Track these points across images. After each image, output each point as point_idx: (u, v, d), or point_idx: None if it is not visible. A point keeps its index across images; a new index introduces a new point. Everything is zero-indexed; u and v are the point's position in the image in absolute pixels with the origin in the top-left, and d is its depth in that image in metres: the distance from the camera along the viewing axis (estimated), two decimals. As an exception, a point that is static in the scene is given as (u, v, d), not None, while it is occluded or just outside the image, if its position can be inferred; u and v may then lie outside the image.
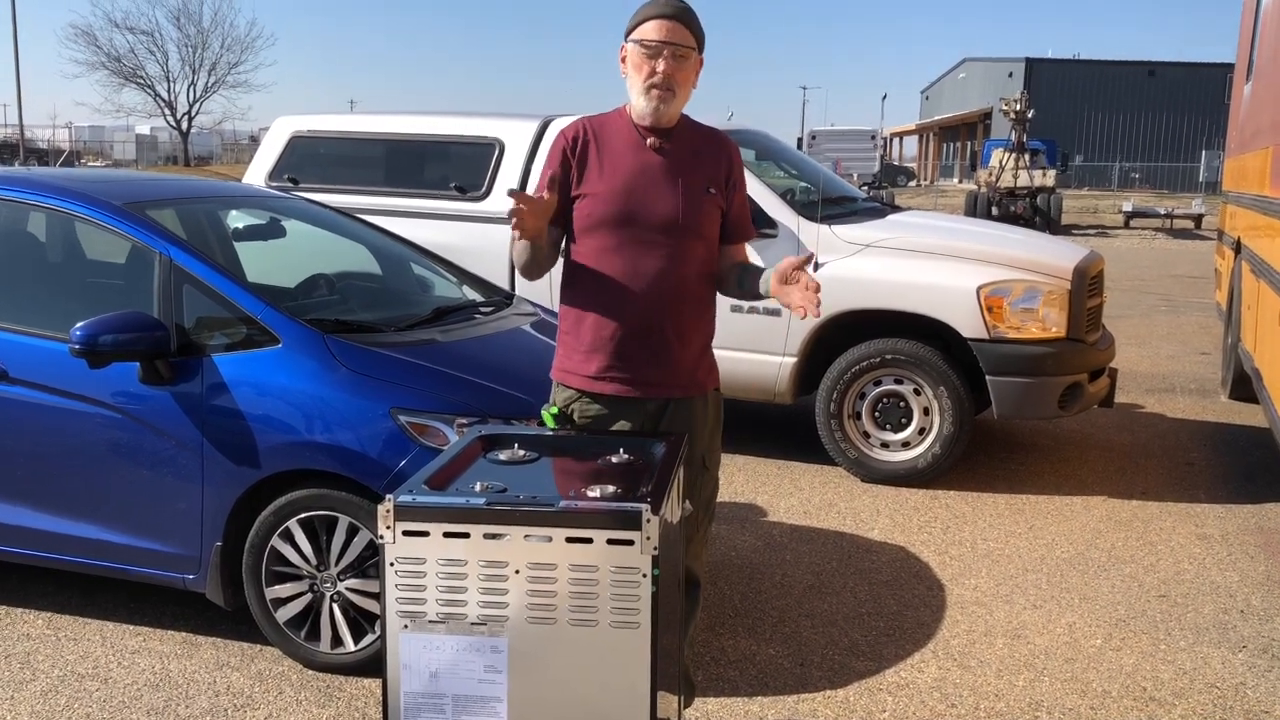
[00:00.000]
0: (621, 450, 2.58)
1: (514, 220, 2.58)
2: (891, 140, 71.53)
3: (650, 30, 2.70)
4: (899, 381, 5.64)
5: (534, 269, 2.79)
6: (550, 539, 2.18)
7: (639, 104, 2.77)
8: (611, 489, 2.28)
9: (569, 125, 2.86)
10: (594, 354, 2.77)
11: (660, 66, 2.70)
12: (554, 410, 2.82)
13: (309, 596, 3.49)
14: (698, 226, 2.78)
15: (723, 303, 3.03)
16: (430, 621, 2.23)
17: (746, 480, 5.70)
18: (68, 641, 3.73)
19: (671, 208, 2.74)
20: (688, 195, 2.76)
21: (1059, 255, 5.84)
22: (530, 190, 2.83)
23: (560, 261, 2.87)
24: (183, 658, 3.62)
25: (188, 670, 3.54)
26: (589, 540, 2.17)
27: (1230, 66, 9.83)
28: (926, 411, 5.61)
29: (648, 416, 2.81)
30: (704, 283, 2.85)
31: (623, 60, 2.79)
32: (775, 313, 5.67)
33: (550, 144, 2.85)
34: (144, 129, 64.40)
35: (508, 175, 6.22)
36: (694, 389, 2.85)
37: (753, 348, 5.70)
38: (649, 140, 2.78)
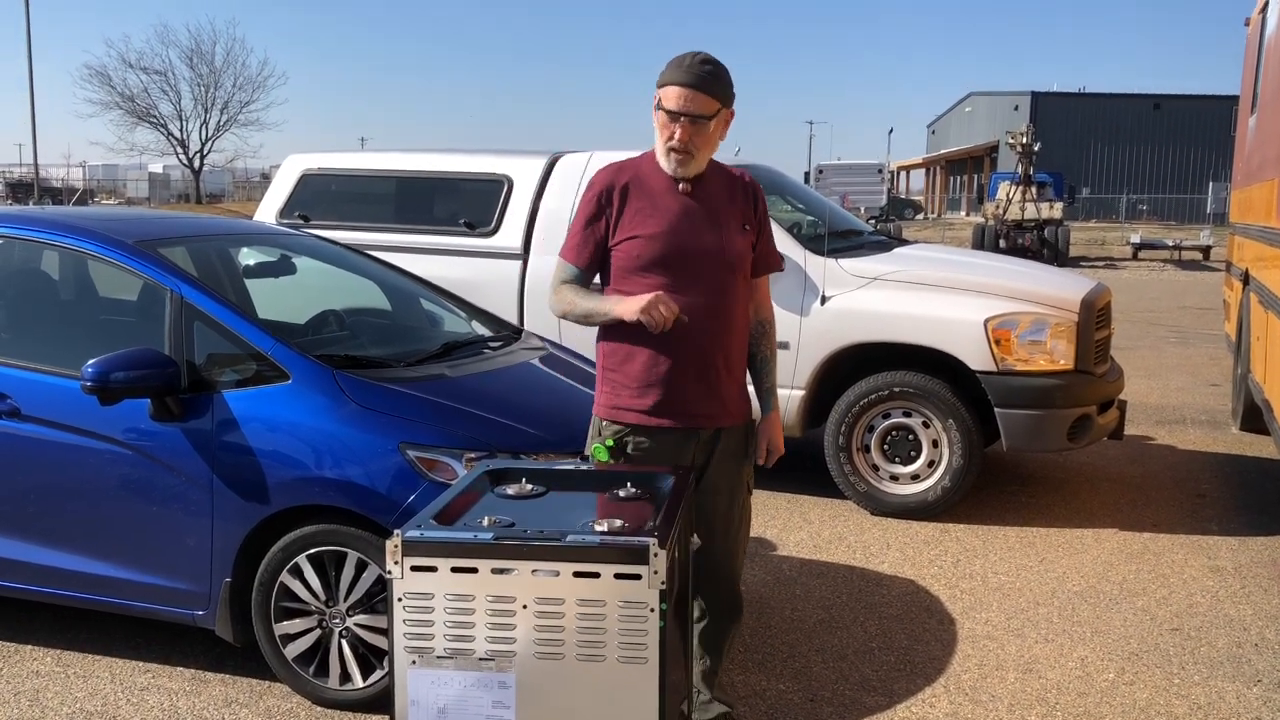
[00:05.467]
0: (629, 484, 2.58)
1: (655, 317, 2.74)
2: (898, 174, 71.75)
3: (671, 97, 2.80)
4: (908, 414, 5.64)
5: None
6: (558, 574, 2.18)
7: (661, 160, 2.88)
8: (619, 523, 2.29)
9: (600, 173, 2.95)
10: (648, 390, 2.87)
11: (677, 134, 2.81)
12: (609, 443, 2.89)
13: (318, 632, 3.48)
14: (738, 262, 2.94)
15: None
16: (438, 657, 2.23)
17: (755, 514, 5.65)
18: (77, 679, 3.73)
19: (716, 246, 2.88)
20: (727, 233, 2.91)
21: (1066, 287, 5.85)
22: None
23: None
24: (192, 695, 3.62)
25: (196, 707, 3.53)
26: (596, 575, 2.17)
27: (1235, 99, 9.88)
28: (935, 444, 5.60)
29: (700, 446, 2.94)
30: (744, 315, 3.00)
31: (655, 108, 2.87)
32: (783, 345, 5.67)
33: (583, 191, 2.95)
34: (157, 167, 64.98)
35: (517, 211, 6.27)
36: (740, 417, 3.01)
37: (761, 381, 5.70)
38: (680, 185, 2.89)
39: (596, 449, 2.89)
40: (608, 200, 2.88)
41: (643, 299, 2.76)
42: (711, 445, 2.96)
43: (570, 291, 2.91)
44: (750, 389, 3.08)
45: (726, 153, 3.00)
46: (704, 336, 2.87)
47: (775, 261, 3.10)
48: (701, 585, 3.03)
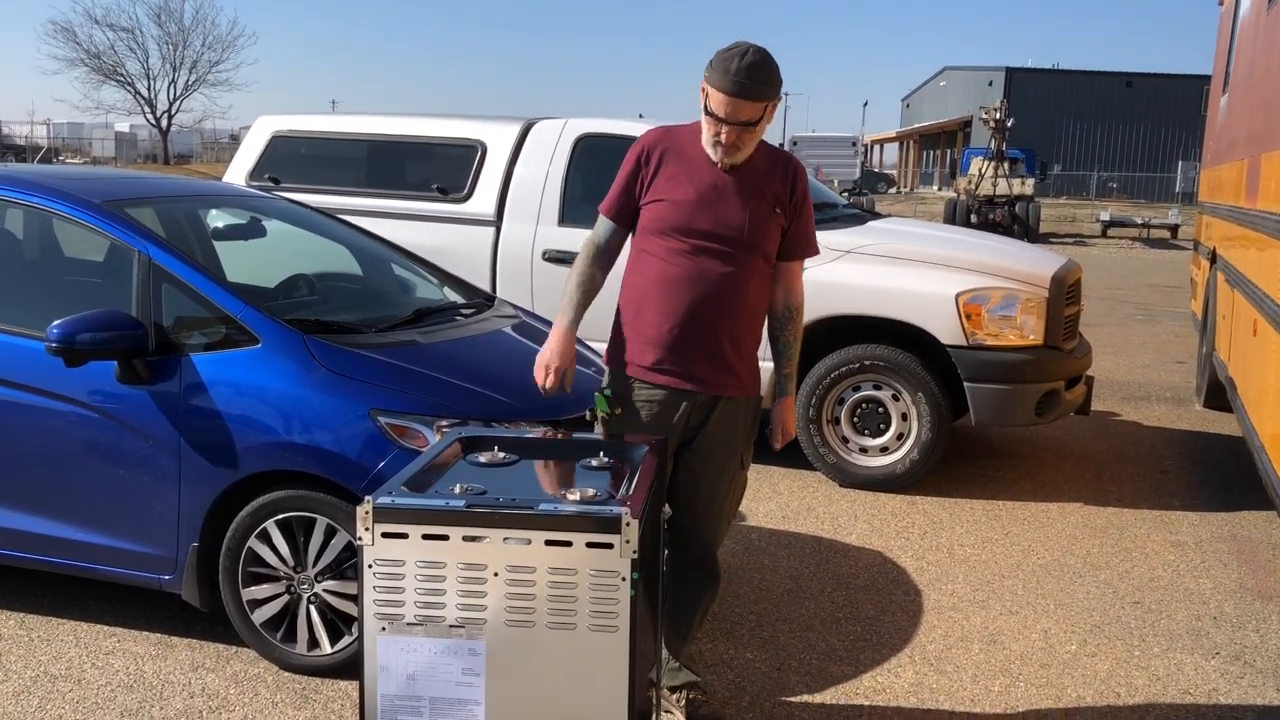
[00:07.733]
0: (602, 454, 2.58)
1: (540, 375, 2.98)
2: (872, 147, 71.77)
3: (717, 104, 2.80)
4: (878, 387, 5.67)
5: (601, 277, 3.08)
6: (529, 542, 2.18)
7: (708, 149, 2.90)
8: (592, 492, 2.29)
9: (648, 133, 3.01)
10: (648, 346, 2.94)
11: (724, 136, 2.84)
12: (607, 392, 2.98)
13: (286, 598, 3.47)
14: (759, 243, 2.95)
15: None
16: (408, 624, 2.23)
17: (725, 484, 5.70)
18: (41, 642, 3.70)
19: (738, 224, 2.91)
20: (754, 214, 2.93)
21: (1037, 263, 5.88)
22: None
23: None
24: (158, 659, 3.60)
25: (163, 671, 3.52)
26: (568, 543, 2.17)
27: (1207, 79, 9.94)
28: (905, 417, 5.64)
29: (696, 409, 2.98)
30: (760, 295, 3.02)
31: (703, 99, 2.88)
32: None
33: (630, 149, 3.00)
34: (123, 126, 63.83)
35: (490, 177, 6.22)
36: (742, 390, 3.03)
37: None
38: (719, 163, 2.91)
39: (598, 398, 2.98)
40: (646, 160, 2.95)
41: (555, 347, 2.98)
42: (708, 411, 2.99)
43: (578, 266, 3.03)
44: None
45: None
46: (709, 309, 2.90)
47: (809, 247, 3.08)
48: (674, 549, 3.06)
